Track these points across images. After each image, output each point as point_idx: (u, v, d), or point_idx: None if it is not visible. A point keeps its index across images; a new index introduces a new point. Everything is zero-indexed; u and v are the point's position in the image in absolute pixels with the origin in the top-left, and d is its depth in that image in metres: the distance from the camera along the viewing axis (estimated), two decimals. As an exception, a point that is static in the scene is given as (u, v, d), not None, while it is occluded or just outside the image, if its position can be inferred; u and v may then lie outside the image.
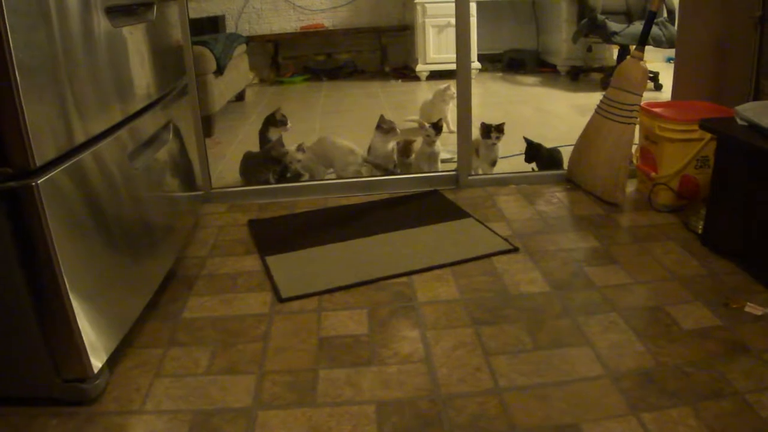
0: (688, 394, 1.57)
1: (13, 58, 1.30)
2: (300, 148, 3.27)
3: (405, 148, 3.32)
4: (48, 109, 1.45)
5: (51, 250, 1.43)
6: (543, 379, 1.65)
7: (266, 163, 3.24)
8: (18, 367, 1.58)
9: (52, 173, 1.44)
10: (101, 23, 1.72)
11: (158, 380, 1.71)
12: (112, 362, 1.74)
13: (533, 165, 3.28)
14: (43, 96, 1.43)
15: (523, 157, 3.30)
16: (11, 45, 1.30)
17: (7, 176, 1.37)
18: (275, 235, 2.60)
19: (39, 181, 1.39)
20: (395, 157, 3.35)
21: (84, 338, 1.54)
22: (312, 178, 3.31)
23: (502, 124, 3.17)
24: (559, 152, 3.29)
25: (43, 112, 1.42)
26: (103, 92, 1.73)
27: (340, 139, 3.39)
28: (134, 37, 1.96)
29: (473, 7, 5.99)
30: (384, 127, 3.33)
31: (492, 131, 3.16)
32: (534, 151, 3.25)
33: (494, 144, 3.18)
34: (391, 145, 3.35)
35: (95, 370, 1.60)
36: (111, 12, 1.77)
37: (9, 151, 1.36)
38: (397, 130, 3.34)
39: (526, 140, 3.26)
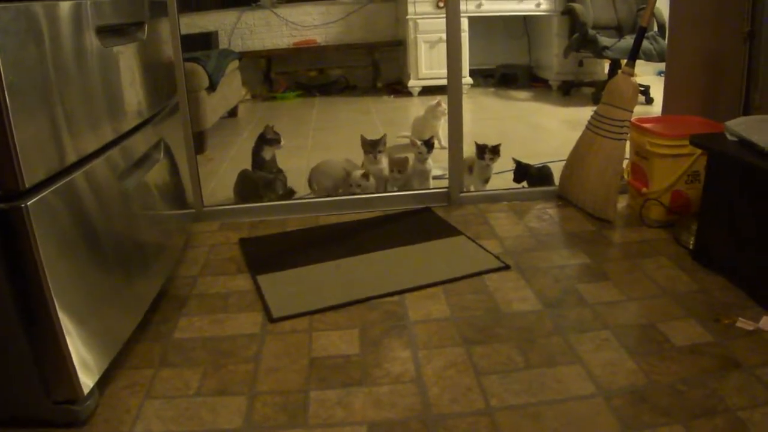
0: (681, 411, 1.57)
1: (3, 79, 1.30)
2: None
3: (398, 164, 3.31)
4: (38, 129, 1.44)
5: (40, 271, 1.42)
6: (535, 399, 1.64)
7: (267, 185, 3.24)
8: (7, 389, 1.56)
9: (43, 194, 1.43)
10: (92, 43, 1.72)
11: (149, 401, 1.70)
12: (102, 383, 1.73)
13: (524, 183, 3.28)
14: (33, 117, 1.42)
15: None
16: (1, 66, 1.29)
17: (-4, 198, 1.37)
18: (267, 254, 2.60)
19: (28, 203, 1.38)
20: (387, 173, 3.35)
21: (74, 359, 1.53)
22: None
23: (498, 145, 3.17)
24: (548, 168, 3.29)
25: (33, 132, 1.42)
26: (94, 112, 1.72)
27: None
28: (125, 57, 1.97)
29: (465, 22, 6.03)
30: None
31: (486, 152, 3.16)
32: (523, 171, 3.25)
33: (488, 165, 3.19)
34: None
35: (86, 392, 1.58)
36: (101, 32, 1.77)
37: (-2, 173, 1.36)
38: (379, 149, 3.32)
39: (515, 161, 3.27)
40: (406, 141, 4.07)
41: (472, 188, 3.23)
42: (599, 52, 5.70)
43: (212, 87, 4.74)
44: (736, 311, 2.01)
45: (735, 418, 1.53)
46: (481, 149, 3.17)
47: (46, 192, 1.45)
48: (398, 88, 6.96)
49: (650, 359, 1.78)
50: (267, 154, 3.46)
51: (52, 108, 1.51)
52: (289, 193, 3.38)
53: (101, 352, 1.68)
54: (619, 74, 2.91)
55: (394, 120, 5.51)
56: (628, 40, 5.60)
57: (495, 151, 3.17)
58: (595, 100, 5.52)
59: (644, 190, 2.72)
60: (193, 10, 6.95)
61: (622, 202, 2.95)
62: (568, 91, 6.40)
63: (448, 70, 3.02)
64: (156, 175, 2.16)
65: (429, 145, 3.26)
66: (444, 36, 3.04)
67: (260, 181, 3.23)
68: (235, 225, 2.95)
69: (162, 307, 2.21)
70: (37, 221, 1.40)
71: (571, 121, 5.00)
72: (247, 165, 3.50)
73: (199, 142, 4.40)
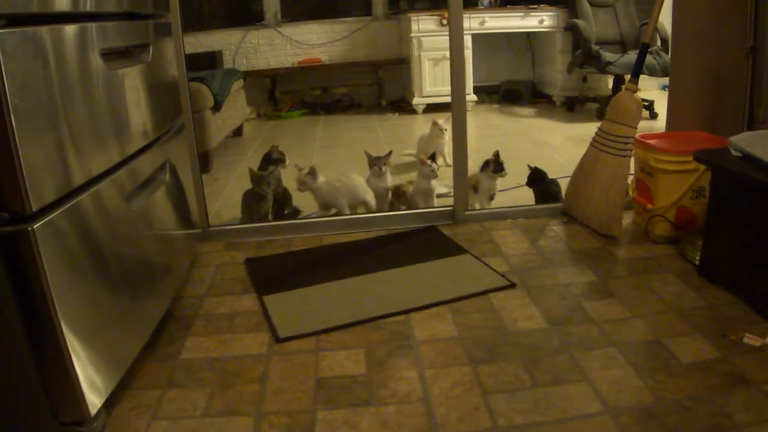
0: (688, 429, 1.56)
1: (9, 104, 1.31)
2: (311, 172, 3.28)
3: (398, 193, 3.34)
4: (44, 153, 1.46)
5: (47, 293, 1.42)
6: (542, 417, 1.64)
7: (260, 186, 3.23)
8: (14, 410, 1.56)
9: (49, 217, 1.44)
10: (98, 66, 1.73)
11: (156, 422, 1.70)
12: (109, 404, 1.73)
13: (531, 191, 3.29)
14: (40, 141, 1.43)
15: (519, 190, 3.32)
16: (7, 90, 1.31)
17: (2, 221, 1.38)
18: (273, 274, 2.60)
19: (35, 226, 1.39)
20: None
21: (81, 380, 1.53)
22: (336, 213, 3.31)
23: (497, 154, 3.18)
24: (557, 184, 3.29)
25: (40, 156, 1.43)
26: (100, 135, 1.73)
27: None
28: (131, 79, 1.98)
29: (468, 39, 6.05)
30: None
31: (493, 164, 3.18)
32: (539, 176, 3.24)
33: (495, 179, 3.20)
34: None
35: (93, 413, 1.58)
36: (107, 55, 1.78)
37: (5, 196, 1.37)
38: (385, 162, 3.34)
39: (530, 167, 3.27)
40: (412, 159, 4.09)
41: (477, 206, 3.23)
42: (603, 67, 5.71)
43: (217, 107, 4.76)
44: (742, 327, 2.00)
45: (743, 436, 1.53)
46: (489, 164, 3.19)
47: (53, 215, 1.46)
48: (403, 105, 6.99)
49: (657, 376, 1.78)
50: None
51: (59, 131, 1.52)
52: (295, 213, 3.39)
53: (108, 373, 1.68)
54: (623, 91, 2.91)
55: (399, 137, 5.52)
56: (632, 55, 5.61)
57: (498, 159, 3.18)
58: (600, 115, 5.51)
59: (649, 206, 2.72)
60: (198, 30, 6.99)
61: (628, 219, 2.94)
62: (572, 107, 6.41)
63: (452, 87, 3.03)
64: (162, 195, 2.17)
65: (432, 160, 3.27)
66: (448, 53, 3.05)
67: (255, 177, 3.22)
68: (241, 245, 2.96)
69: (168, 327, 2.21)
70: (43, 244, 1.41)
71: (576, 137, 5.00)
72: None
73: (204, 161, 4.42)
